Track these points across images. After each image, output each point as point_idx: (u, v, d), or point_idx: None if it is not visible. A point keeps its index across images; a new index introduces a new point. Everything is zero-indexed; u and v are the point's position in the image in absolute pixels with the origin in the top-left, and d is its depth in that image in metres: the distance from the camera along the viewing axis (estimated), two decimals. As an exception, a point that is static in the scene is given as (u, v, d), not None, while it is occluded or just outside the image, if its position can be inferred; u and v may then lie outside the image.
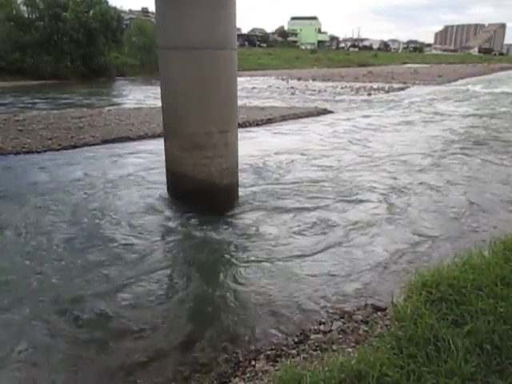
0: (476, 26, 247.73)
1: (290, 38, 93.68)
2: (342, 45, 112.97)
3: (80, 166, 8.09)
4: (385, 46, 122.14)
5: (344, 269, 4.42)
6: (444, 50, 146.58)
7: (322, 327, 3.40)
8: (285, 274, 4.28)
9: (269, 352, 3.13)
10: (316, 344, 3.12)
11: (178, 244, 5.03)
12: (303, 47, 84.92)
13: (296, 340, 3.26)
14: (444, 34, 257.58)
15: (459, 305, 2.90)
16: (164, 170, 6.38)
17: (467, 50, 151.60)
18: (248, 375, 2.87)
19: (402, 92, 24.55)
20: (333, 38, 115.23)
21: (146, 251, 4.75)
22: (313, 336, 3.27)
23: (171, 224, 5.60)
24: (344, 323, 3.41)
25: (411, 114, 15.85)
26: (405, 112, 16.28)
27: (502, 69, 58.92)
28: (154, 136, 10.49)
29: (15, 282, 4.07)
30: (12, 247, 4.80)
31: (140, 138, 10.61)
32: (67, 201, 6.26)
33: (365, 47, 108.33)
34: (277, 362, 2.97)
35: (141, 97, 20.36)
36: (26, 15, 30.06)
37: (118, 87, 27.13)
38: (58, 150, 9.26)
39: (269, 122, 13.29)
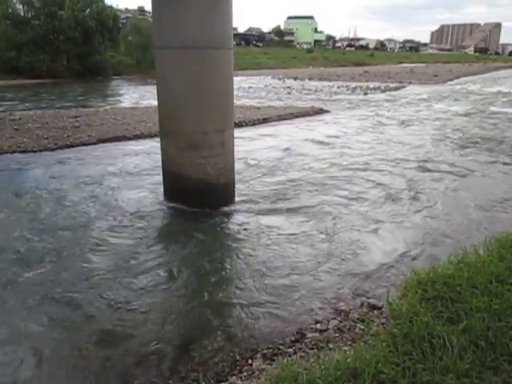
0: (472, 25, 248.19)
1: (287, 38, 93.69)
2: (339, 44, 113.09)
3: (76, 166, 8.07)
4: (381, 46, 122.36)
5: (340, 265, 4.43)
6: (440, 50, 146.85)
7: (318, 326, 3.41)
8: (280, 272, 4.28)
9: (265, 351, 3.14)
10: (312, 343, 3.13)
11: (174, 243, 5.01)
12: (299, 47, 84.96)
13: (293, 339, 3.27)
14: (440, 34, 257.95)
15: (454, 302, 2.92)
16: (160, 170, 6.37)
17: (463, 50, 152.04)
18: (245, 374, 2.87)
19: (398, 92, 24.61)
20: (329, 38, 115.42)
21: (141, 249, 4.74)
22: (309, 335, 3.28)
23: (167, 223, 5.61)
24: (340, 322, 3.41)
25: (407, 113, 15.86)
26: (401, 111, 16.30)
27: (498, 68, 59.25)
28: (151, 135, 10.48)
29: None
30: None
31: (136, 137, 10.59)
32: (60, 201, 6.26)
33: (361, 46, 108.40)
34: (273, 360, 2.98)
35: (137, 96, 20.32)
36: (22, 13, 29.95)
37: (114, 86, 27.03)
38: (53, 149, 9.24)
39: (265, 121, 13.28)
